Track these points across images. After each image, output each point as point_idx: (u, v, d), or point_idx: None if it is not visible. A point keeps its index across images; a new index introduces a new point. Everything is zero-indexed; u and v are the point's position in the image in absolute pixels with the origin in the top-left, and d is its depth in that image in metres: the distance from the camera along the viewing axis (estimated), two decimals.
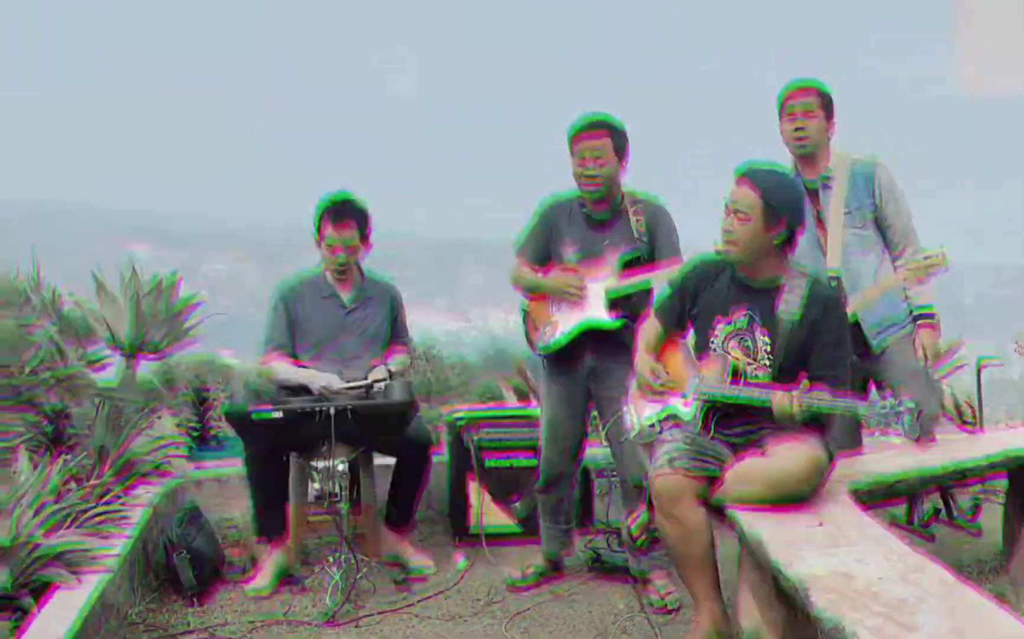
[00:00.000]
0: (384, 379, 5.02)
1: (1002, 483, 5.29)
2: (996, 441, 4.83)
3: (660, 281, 4.62)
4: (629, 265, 4.72)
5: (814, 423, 3.77)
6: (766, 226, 3.86)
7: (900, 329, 4.74)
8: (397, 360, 5.29)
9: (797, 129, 4.70)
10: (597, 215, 4.81)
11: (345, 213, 5.15)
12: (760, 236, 3.87)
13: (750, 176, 3.89)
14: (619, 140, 4.73)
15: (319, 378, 4.98)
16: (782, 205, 3.86)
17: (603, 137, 4.69)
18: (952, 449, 4.63)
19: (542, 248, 4.93)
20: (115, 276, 5.81)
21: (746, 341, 3.96)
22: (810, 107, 4.69)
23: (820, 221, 4.74)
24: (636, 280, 4.70)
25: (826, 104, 4.73)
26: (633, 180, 4.82)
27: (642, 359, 4.25)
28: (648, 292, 4.70)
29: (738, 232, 3.87)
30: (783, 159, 4.74)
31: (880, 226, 4.73)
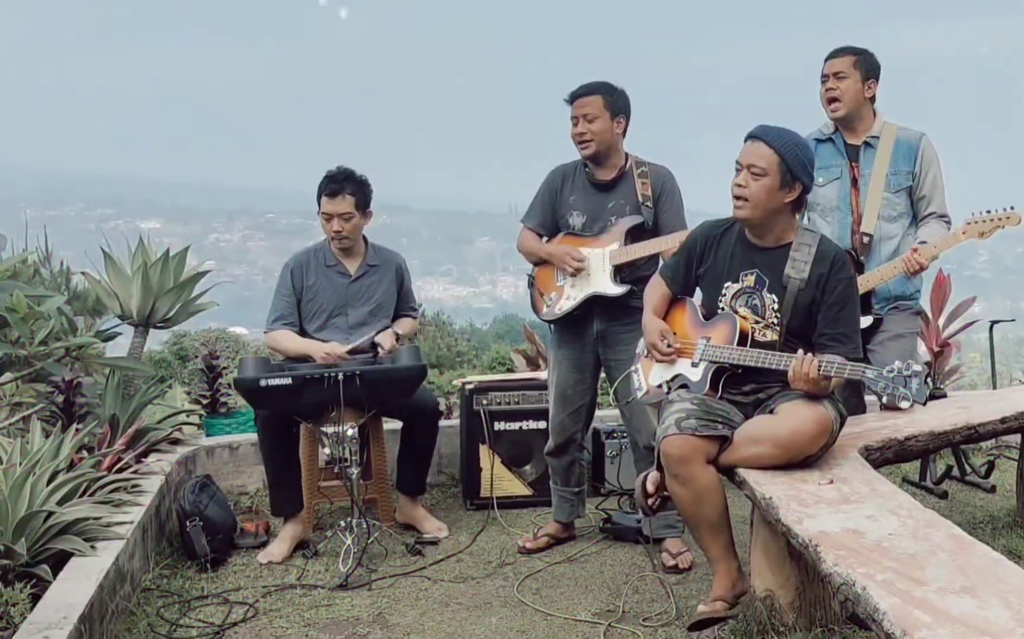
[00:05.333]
0: (389, 344, 5.04)
1: (1015, 441, 5.29)
2: (1009, 399, 4.82)
3: (664, 248, 4.63)
4: (633, 232, 4.73)
5: (824, 386, 3.75)
6: (781, 184, 3.84)
7: (907, 308, 4.75)
8: (404, 325, 5.31)
9: (828, 90, 4.73)
10: (599, 177, 4.82)
11: (340, 184, 5.16)
12: (774, 194, 3.84)
13: (765, 135, 3.86)
14: (613, 100, 4.75)
15: (322, 347, 5.01)
16: (798, 164, 3.84)
17: (594, 96, 4.74)
18: (965, 408, 4.62)
19: (548, 216, 4.95)
20: (123, 250, 5.83)
21: (754, 302, 3.95)
22: (839, 69, 4.70)
23: (855, 183, 4.73)
24: (640, 248, 4.71)
25: (863, 66, 4.71)
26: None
27: (650, 322, 4.24)
28: (653, 259, 4.71)
29: (752, 188, 3.84)
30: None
31: (912, 197, 4.73)
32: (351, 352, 4.97)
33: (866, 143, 4.73)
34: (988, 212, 4.47)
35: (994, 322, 6.47)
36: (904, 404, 3.56)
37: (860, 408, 4.76)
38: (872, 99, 4.75)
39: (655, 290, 4.30)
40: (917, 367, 3.57)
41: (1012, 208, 4.48)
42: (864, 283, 4.50)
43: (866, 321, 4.49)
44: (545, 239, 4.97)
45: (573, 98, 4.78)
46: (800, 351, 3.75)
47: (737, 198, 3.89)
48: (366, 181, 5.23)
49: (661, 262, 4.63)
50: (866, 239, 4.64)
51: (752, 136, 3.90)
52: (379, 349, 4.98)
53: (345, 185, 5.17)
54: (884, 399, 3.58)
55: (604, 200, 4.81)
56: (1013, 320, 6.41)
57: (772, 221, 3.92)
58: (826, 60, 4.76)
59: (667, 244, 4.63)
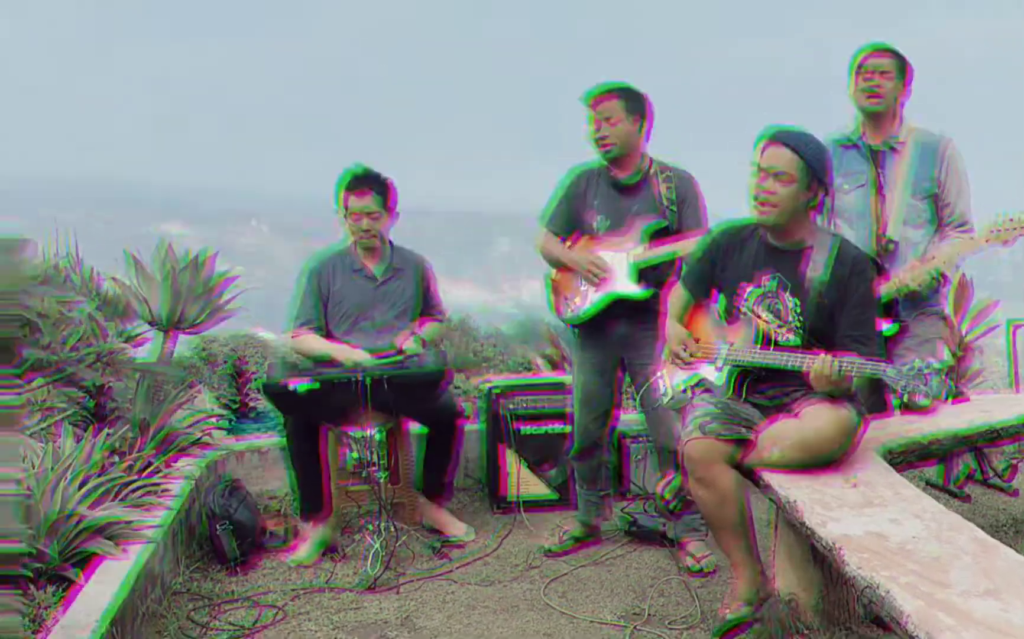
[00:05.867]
0: (414, 349, 5.07)
1: None
2: None
3: (686, 251, 4.64)
4: (655, 235, 4.75)
5: (845, 387, 3.77)
6: (807, 188, 3.86)
7: (932, 312, 4.71)
8: (429, 330, 5.34)
9: (872, 86, 4.61)
10: (622, 181, 4.84)
11: (364, 182, 5.19)
12: (799, 198, 3.86)
13: (785, 138, 3.87)
14: (632, 103, 4.76)
15: (346, 352, 5.05)
16: (820, 168, 3.86)
17: (613, 99, 4.74)
18: (986, 410, 4.63)
19: (568, 218, 4.97)
20: (148, 255, 5.87)
21: (774, 305, 3.96)
22: (886, 68, 4.61)
23: (879, 186, 4.71)
24: (662, 251, 4.73)
25: (902, 69, 4.64)
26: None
27: (671, 328, 4.27)
28: (675, 261, 4.72)
29: (780, 194, 3.85)
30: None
31: (937, 203, 4.63)
32: (377, 357, 5.00)
33: (890, 147, 4.68)
34: (1011, 217, 4.38)
35: (1011, 321, 6.42)
36: (923, 400, 3.57)
37: (884, 411, 4.76)
38: (902, 103, 4.73)
39: (676, 296, 4.33)
40: (936, 364, 3.58)
41: None
42: (885, 291, 4.48)
43: (892, 328, 4.49)
44: (563, 240, 4.99)
45: (591, 98, 4.78)
46: (821, 356, 3.76)
47: (764, 203, 3.89)
48: (391, 182, 5.27)
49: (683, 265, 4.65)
50: (891, 246, 4.61)
51: (773, 139, 3.90)
52: (404, 353, 5.01)
53: (372, 183, 5.20)
54: (904, 397, 3.59)
55: (627, 203, 4.83)
56: None
57: (794, 224, 3.93)
58: (868, 54, 4.64)
59: (688, 245, 4.64)
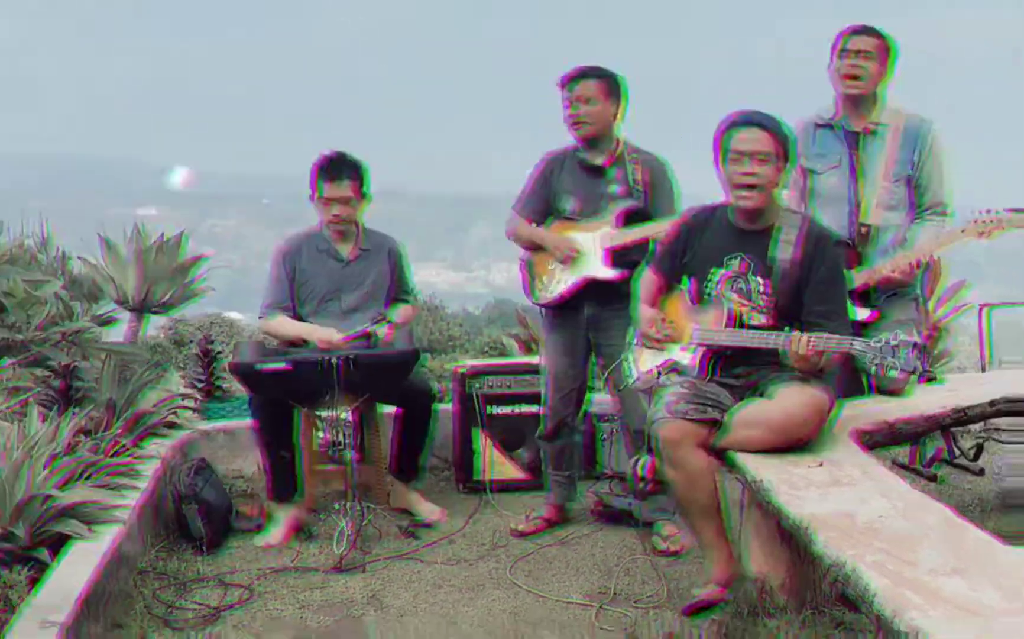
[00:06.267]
0: (382, 327, 5.06)
1: (1004, 424, 5.30)
2: (997, 382, 4.85)
3: (657, 235, 4.64)
4: (627, 218, 4.76)
5: (816, 363, 3.78)
6: (778, 168, 3.89)
7: (904, 295, 4.70)
8: (399, 312, 5.32)
9: (851, 66, 4.56)
10: (593, 161, 4.84)
11: (338, 167, 5.16)
12: (777, 176, 3.91)
13: (762, 121, 3.90)
14: (609, 83, 4.78)
15: (318, 332, 5.03)
16: (791, 146, 3.93)
17: (591, 79, 4.75)
18: (954, 391, 4.66)
19: (540, 203, 4.97)
20: (120, 235, 5.83)
21: (742, 286, 3.98)
22: (868, 49, 4.55)
23: (855, 171, 4.64)
24: (635, 234, 4.73)
25: (886, 52, 4.60)
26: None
27: (642, 310, 4.28)
28: (646, 245, 4.72)
29: (761, 174, 3.87)
30: None
31: (913, 186, 4.62)
32: (347, 340, 4.98)
33: (871, 131, 4.63)
34: (989, 212, 4.36)
35: (983, 305, 6.46)
36: (893, 373, 3.59)
37: (858, 392, 4.77)
38: (884, 86, 4.66)
39: (646, 280, 4.33)
40: (905, 337, 3.59)
41: (1021, 210, 4.36)
42: (861, 279, 4.48)
43: (867, 314, 4.49)
44: (536, 226, 4.99)
45: (568, 80, 4.78)
46: (793, 330, 3.78)
47: (749, 187, 3.90)
48: (364, 165, 5.24)
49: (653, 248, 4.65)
50: (864, 230, 4.59)
51: (748, 123, 3.91)
52: (375, 336, 5.00)
53: (345, 169, 5.16)
54: (872, 369, 3.61)
55: (597, 184, 4.84)
56: (1004, 305, 6.40)
57: (769, 205, 3.96)
58: (850, 35, 4.59)
59: (660, 228, 4.63)
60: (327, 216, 5.19)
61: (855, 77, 4.57)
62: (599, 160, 4.83)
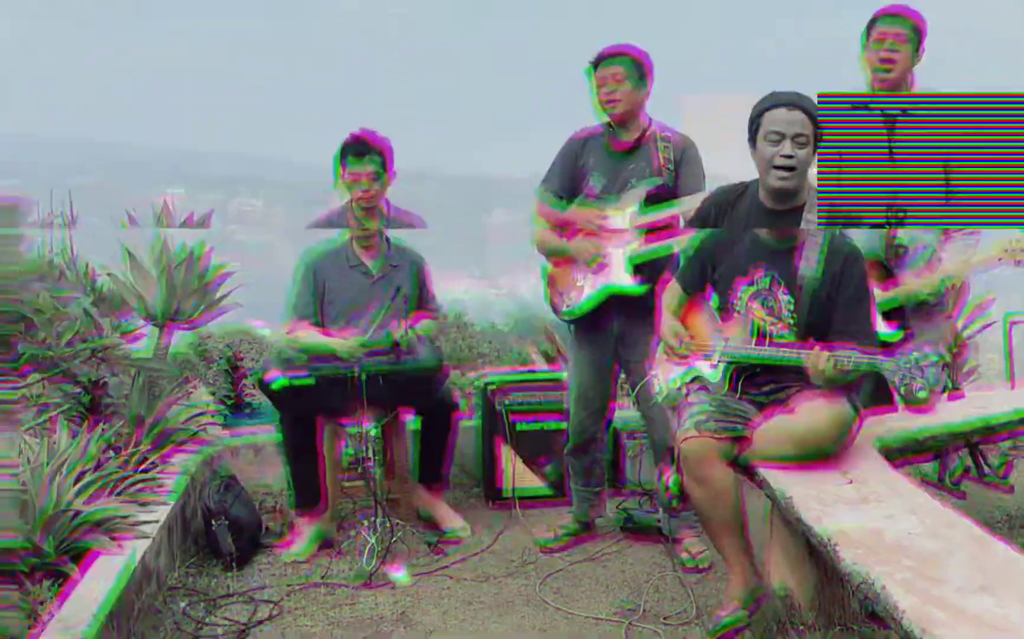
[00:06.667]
0: (407, 338, 5.06)
1: None
2: None
3: (684, 213, 4.65)
4: (652, 196, 4.73)
5: (841, 380, 3.76)
6: (813, 151, 3.88)
7: (934, 310, 4.65)
8: (424, 325, 5.32)
9: (885, 52, 4.47)
10: (621, 141, 4.83)
11: (365, 146, 5.16)
12: (810, 161, 3.90)
13: (801, 102, 3.86)
14: (638, 65, 4.76)
15: (342, 343, 5.04)
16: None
17: (624, 59, 4.74)
18: (981, 405, 4.63)
19: (567, 181, 4.95)
20: (148, 216, 5.83)
21: (768, 301, 3.96)
22: (902, 33, 4.47)
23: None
24: (661, 214, 4.72)
25: (918, 34, 4.49)
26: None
27: (666, 323, 4.27)
28: (671, 256, 4.70)
29: (800, 157, 3.85)
30: None
31: None
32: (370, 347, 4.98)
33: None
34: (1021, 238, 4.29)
35: (1008, 316, 6.40)
36: (920, 393, 3.56)
37: (886, 404, 4.73)
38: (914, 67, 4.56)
39: (671, 293, 4.33)
40: (933, 355, 3.56)
41: None
42: (892, 296, 4.45)
43: (896, 333, 4.44)
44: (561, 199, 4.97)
45: (601, 61, 4.77)
46: (815, 350, 3.76)
47: (790, 169, 3.85)
48: (389, 143, 5.24)
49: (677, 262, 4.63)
50: (901, 249, 4.51)
51: (788, 104, 3.85)
52: (398, 346, 5.00)
53: (370, 147, 5.16)
54: (901, 389, 3.58)
55: (624, 163, 4.82)
56: None
57: (802, 186, 3.94)
58: (882, 19, 4.51)
59: (687, 207, 4.63)
60: (354, 190, 5.17)
61: (890, 62, 4.48)
62: (629, 140, 4.83)
